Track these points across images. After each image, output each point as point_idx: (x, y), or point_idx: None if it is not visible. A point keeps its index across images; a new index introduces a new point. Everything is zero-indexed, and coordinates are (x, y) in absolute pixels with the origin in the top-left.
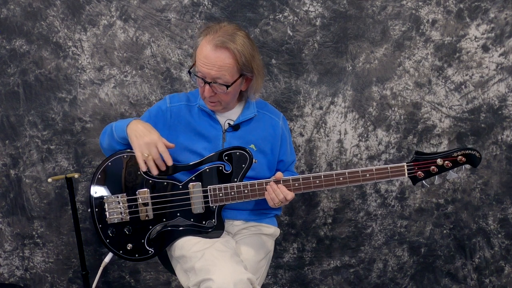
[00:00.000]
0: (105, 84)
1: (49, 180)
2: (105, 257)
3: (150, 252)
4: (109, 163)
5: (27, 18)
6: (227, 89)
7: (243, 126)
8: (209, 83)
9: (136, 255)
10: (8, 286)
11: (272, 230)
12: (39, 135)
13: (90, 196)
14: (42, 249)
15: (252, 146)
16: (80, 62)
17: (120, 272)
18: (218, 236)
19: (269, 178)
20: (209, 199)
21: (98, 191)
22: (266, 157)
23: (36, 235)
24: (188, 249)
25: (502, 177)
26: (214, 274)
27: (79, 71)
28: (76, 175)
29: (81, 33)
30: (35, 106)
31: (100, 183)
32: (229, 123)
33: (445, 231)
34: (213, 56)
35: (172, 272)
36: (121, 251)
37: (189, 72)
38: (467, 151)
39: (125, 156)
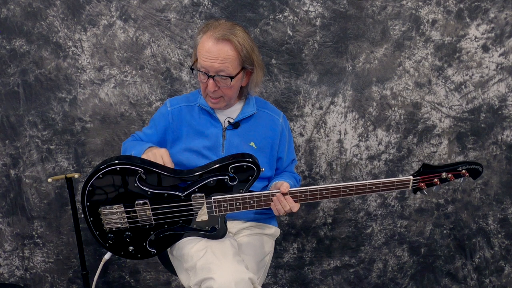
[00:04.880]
0: (105, 84)
1: (49, 180)
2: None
3: (152, 252)
4: (100, 175)
5: (27, 18)
6: (231, 81)
7: (243, 123)
8: (212, 77)
9: (139, 256)
10: (8, 286)
11: (272, 230)
12: (39, 135)
13: (83, 206)
14: (42, 249)
15: (252, 144)
16: (80, 62)
17: (120, 272)
18: (221, 238)
19: (269, 176)
20: (213, 209)
21: (91, 202)
22: (266, 155)
23: (36, 235)
24: (190, 248)
25: (502, 177)
26: (215, 273)
27: (79, 71)
28: (76, 175)
29: (81, 33)
30: (35, 106)
31: (92, 195)
32: (229, 121)
33: (445, 231)
34: (215, 49)
35: (172, 272)
36: (122, 253)
37: (192, 69)
38: (472, 166)
39: (118, 168)
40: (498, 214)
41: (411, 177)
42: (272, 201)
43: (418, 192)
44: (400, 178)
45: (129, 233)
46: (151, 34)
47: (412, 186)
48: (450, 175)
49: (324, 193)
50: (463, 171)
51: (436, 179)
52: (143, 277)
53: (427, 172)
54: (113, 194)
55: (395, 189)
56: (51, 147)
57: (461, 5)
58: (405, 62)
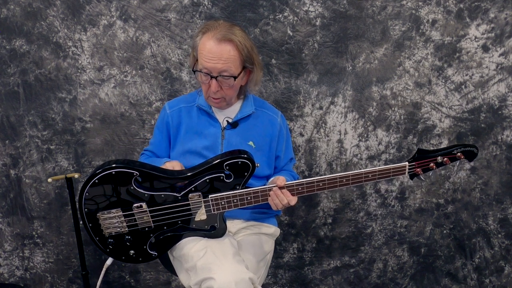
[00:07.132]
0: (105, 84)
1: (49, 180)
2: (106, 258)
3: (153, 255)
4: (96, 181)
5: (27, 18)
6: (235, 80)
7: (242, 123)
8: (215, 78)
9: (140, 259)
10: (8, 286)
11: (272, 230)
12: (39, 135)
13: (82, 213)
14: (42, 249)
15: (251, 143)
16: (80, 62)
17: (120, 272)
18: (221, 236)
19: (268, 175)
20: (211, 208)
21: (89, 208)
22: (265, 154)
23: (36, 235)
24: (190, 248)
25: (502, 177)
26: (215, 273)
27: (79, 71)
28: (76, 175)
29: (81, 33)
30: (35, 106)
31: (89, 201)
32: (227, 121)
33: (445, 231)
34: (217, 50)
35: (172, 272)
36: (123, 257)
37: (194, 71)
38: (466, 148)
39: (113, 173)
40: (498, 214)
41: (407, 163)
42: (269, 196)
43: (415, 178)
44: (396, 164)
45: (129, 237)
46: (151, 34)
47: (408, 172)
48: (445, 158)
49: (321, 185)
50: (459, 153)
51: (432, 164)
52: (143, 277)
53: (422, 157)
54: (111, 199)
55: (392, 176)
56: (51, 147)
57: (461, 5)
58: (405, 62)
